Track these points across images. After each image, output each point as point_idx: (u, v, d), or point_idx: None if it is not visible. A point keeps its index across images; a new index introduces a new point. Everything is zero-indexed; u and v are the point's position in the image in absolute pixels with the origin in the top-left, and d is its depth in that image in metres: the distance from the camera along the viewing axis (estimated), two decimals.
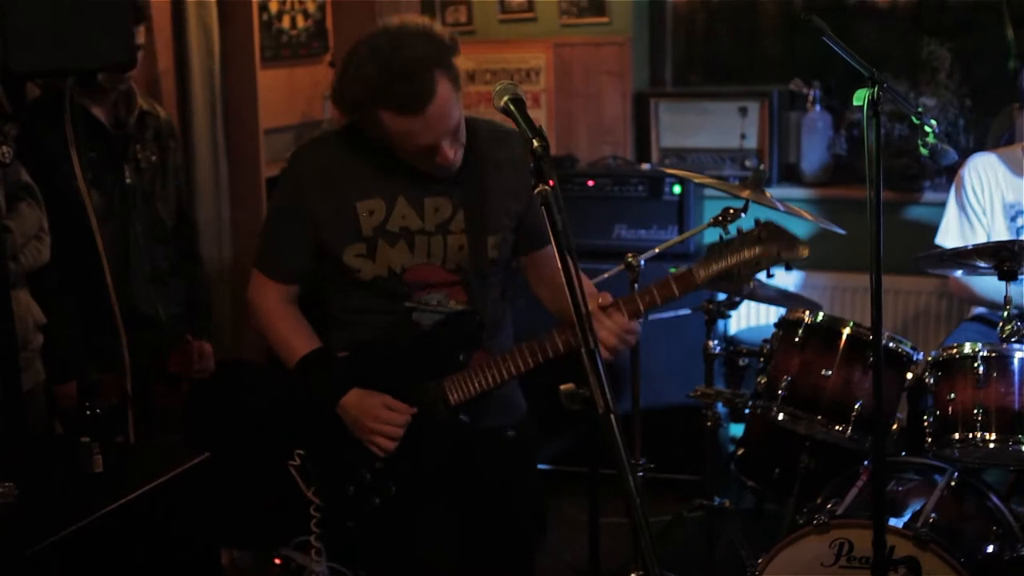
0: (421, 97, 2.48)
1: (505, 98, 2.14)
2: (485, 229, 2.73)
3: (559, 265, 1.91)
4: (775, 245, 2.55)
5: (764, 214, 3.89)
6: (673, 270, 3.95)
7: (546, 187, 1.94)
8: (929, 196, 4.91)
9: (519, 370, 2.68)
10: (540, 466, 3.07)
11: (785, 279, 4.96)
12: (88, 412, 2.67)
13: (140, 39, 3.67)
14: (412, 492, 2.77)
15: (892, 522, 3.02)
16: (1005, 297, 3.28)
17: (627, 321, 2.61)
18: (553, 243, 1.92)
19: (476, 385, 2.70)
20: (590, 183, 4.91)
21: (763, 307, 5.01)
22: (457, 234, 2.72)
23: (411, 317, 2.75)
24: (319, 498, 2.79)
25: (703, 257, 2.63)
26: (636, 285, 3.57)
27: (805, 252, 2.57)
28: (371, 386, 2.73)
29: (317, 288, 2.88)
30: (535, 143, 1.99)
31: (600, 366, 1.86)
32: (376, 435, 2.71)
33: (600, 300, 2.61)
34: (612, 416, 1.84)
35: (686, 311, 3.90)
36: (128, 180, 3.66)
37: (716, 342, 3.93)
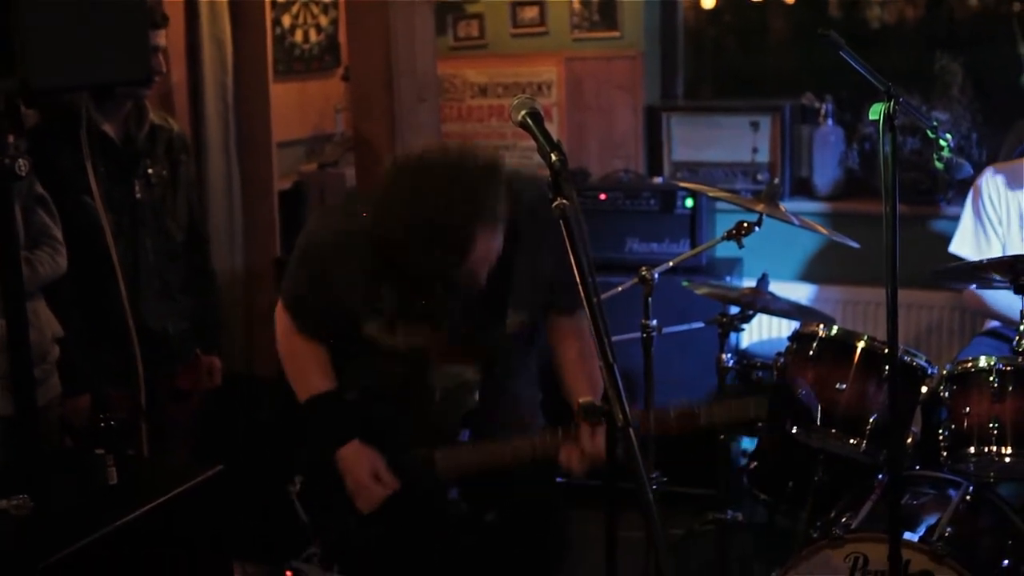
0: (458, 254, 2.42)
1: (523, 112, 2.13)
2: (509, 307, 2.69)
3: (579, 281, 1.90)
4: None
5: (778, 227, 3.90)
6: (686, 283, 3.97)
7: (564, 202, 1.93)
8: (942, 210, 4.90)
9: (516, 459, 2.67)
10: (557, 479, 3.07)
11: (798, 292, 4.95)
12: (103, 425, 2.67)
13: (163, 41, 3.66)
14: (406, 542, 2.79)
15: (907, 536, 3.00)
16: (1021, 311, 3.27)
17: (600, 441, 2.53)
18: (572, 260, 1.90)
19: (467, 459, 2.71)
20: (602, 197, 4.91)
21: (776, 320, 5.00)
22: (481, 313, 2.68)
23: (426, 382, 2.73)
24: (316, 526, 2.80)
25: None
26: (650, 299, 3.57)
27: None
28: (371, 435, 2.74)
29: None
30: (553, 157, 1.98)
31: (618, 379, 1.85)
32: (358, 497, 2.74)
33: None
34: (631, 430, 1.83)
35: (699, 324, 3.89)
36: (138, 195, 3.65)
37: (729, 355, 3.92)
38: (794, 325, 3.71)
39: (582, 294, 1.89)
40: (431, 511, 2.77)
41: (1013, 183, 3.97)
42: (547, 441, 2.64)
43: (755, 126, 5.18)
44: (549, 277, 2.68)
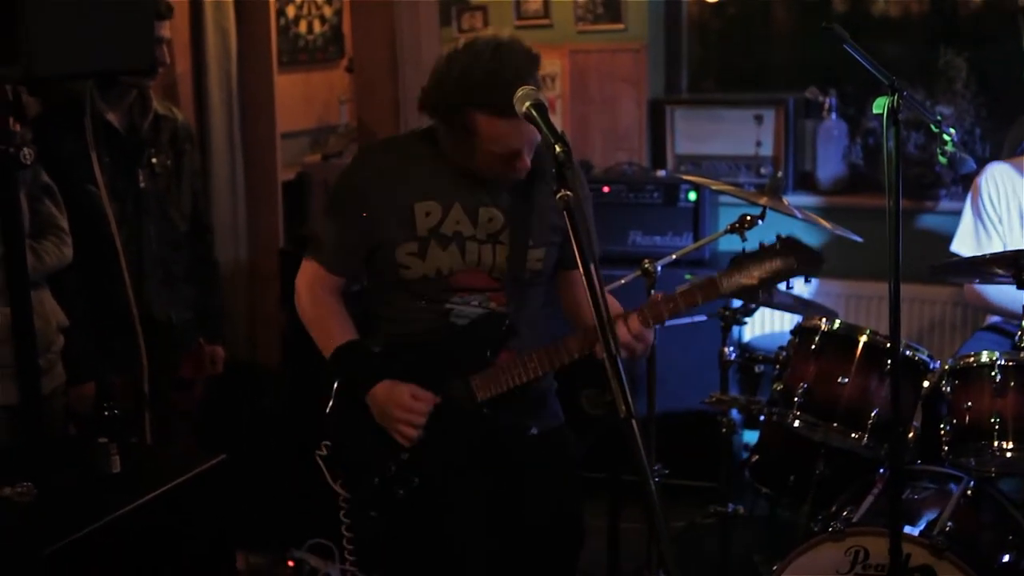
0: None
1: (527, 103, 2.15)
2: (530, 242, 2.79)
3: (580, 267, 1.92)
4: (795, 258, 2.66)
5: (781, 221, 3.90)
6: (689, 276, 3.97)
7: (568, 193, 1.94)
8: (944, 205, 4.90)
9: (544, 369, 2.74)
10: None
11: (801, 287, 4.95)
12: (106, 413, 2.68)
13: (167, 33, 3.67)
14: (437, 487, 2.81)
15: (908, 530, 3.01)
16: (1023, 306, 3.27)
17: (640, 328, 2.67)
18: (575, 246, 1.92)
19: (502, 382, 2.75)
20: (605, 189, 4.91)
21: (779, 314, 5.01)
22: (505, 245, 2.79)
23: (449, 317, 2.80)
24: (345, 489, 2.83)
25: (726, 268, 2.69)
26: (652, 291, 3.57)
27: (821, 263, 2.69)
28: (401, 378, 2.78)
29: (361, 283, 2.96)
30: (557, 149, 1.99)
31: (622, 371, 1.86)
32: (401, 423, 2.75)
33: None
34: (634, 421, 1.84)
35: (702, 317, 3.89)
36: (142, 184, 3.66)
37: (731, 349, 3.92)
38: (796, 319, 3.72)
39: (586, 285, 1.91)
40: (471, 434, 2.81)
41: (1013, 180, 3.97)
42: (583, 338, 2.70)
43: (759, 120, 5.18)
44: (565, 229, 2.75)
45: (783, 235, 2.69)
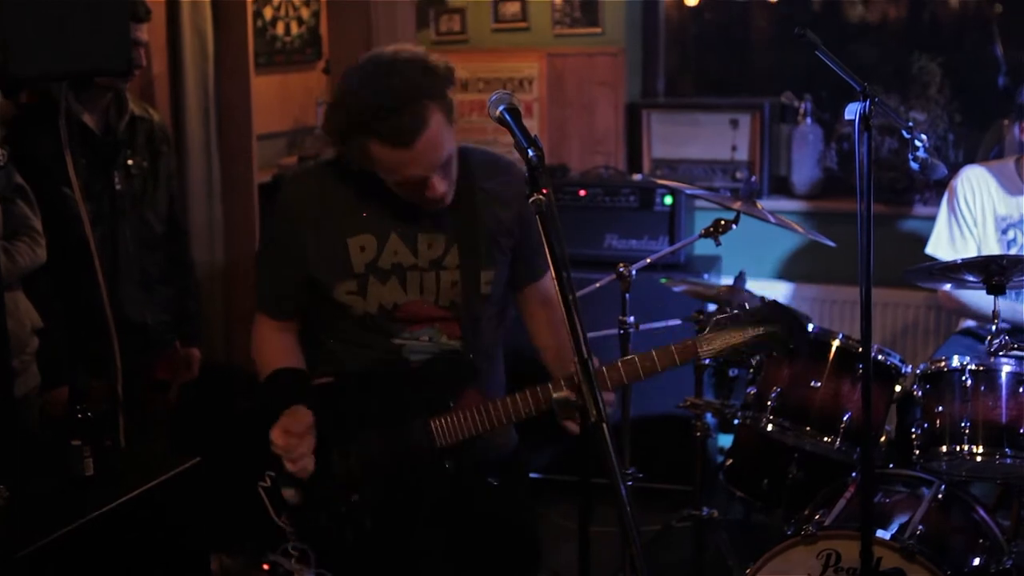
0: (411, 130, 2.41)
1: (500, 108, 2.15)
2: (479, 264, 2.66)
3: (553, 276, 1.91)
4: (780, 325, 2.53)
5: (755, 226, 3.92)
6: (665, 280, 3.99)
7: (540, 197, 1.94)
8: (919, 210, 4.93)
9: (509, 420, 2.60)
10: (531, 475, 3.08)
11: (775, 291, 4.98)
12: (79, 415, 2.67)
13: (144, 36, 3.67)
14: (391, 530, 2.67)
15: (879, 534, 3.03)
16: (993, 311, 3.30)
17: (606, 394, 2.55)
18: (548, 253, 1.92)
19: (464, 431, 2.61)
20: (582, 193, 4.93)
21: None
22: (451, 270, 2.66)
23: (401, 354, 2.69)
24: (289, 524, 2.68)
25: (709, 331, 2.56)
26: (627, 296, 3.59)
27: (808, 338, 2.56)
28: (355, 416, 2.65)
29: (308, 318, 2.82)
30: (529, 152, 1.99)
31: (593, 375, 1.87)
32: (287, 453, 2.60)
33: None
34: (604, 425, 1.85)
35: (676, 322, 3.91)
36: (118, 186, 3.65)
37: None
38: None
39: (557, 289, 1.90)
40: (427, 482, 2.66)
41: (988, 184, 4.00)
42: (541, 394, 2.55)
43: (734, 124, 5.21)
44: (515, 235, 2.71)
45: (768, 299, 2.60)
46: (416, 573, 2.79)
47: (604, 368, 2.52)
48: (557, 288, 1.91)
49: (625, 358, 2.56)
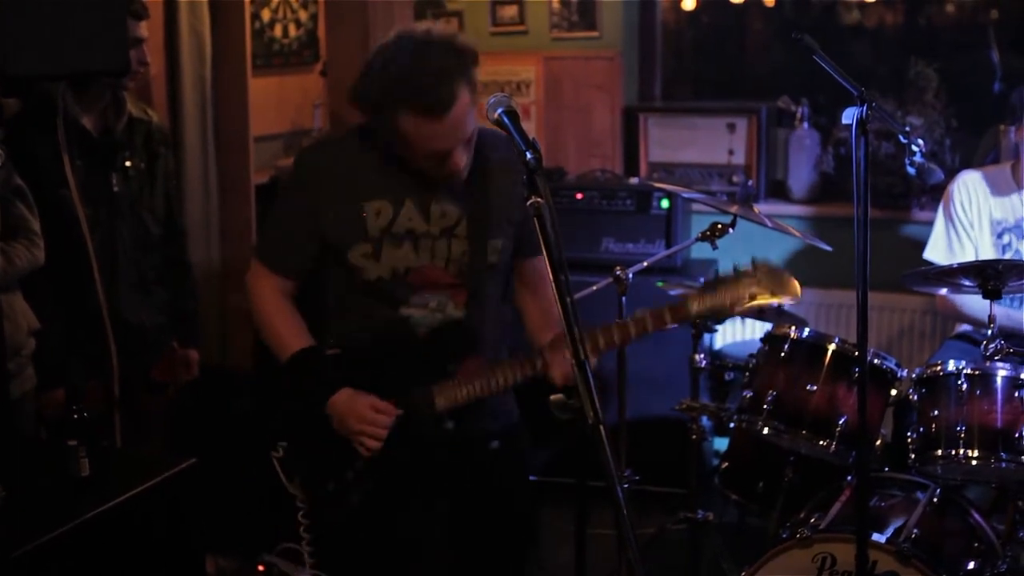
0: (443, 103, 2.52)
1: (499, 110, 2.16)
2: (487, 234, 2.77)
3: (550, 276, 1.92)
4: (769, 284, 2.60)
5: (752, 230, 3.93)
6: (661, 284, 4.00)
7: (538, 199, 1.96)
8: (915, 214, 4.94)
9: (507, 383, 2.70)
10: (528, 477, 3.10)
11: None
12: (75, 416, 2.67)
13: (144, 33, 3.66)
14: (394, 494, 2.79)
15: (875, 537, 3.03)
16: (989, 316, 3.31)
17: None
18: (545, 255, 1.93)
19: (463, 393, 2.71)
20: (578, 196, 4.93)
21: (749, 322, 5.03)
22: (461, 238, 2.76)
23: (408, 321, 2.77)
24: (301, 490, 2.80)
25: (697, 290, 2.65)
26: (624, 299, 3.59)
27: (798, 292, 2.63)
28: (360, 387, 2.75)
29: (316, 282, 2.90)
30: (528, 155, 2.00)
31: (590, 377, 1.87)
32: (362, 435, 2.72)
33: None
34: (601, 427, 1.85)
35: (672, 325, 3.91)
36: (115, 188, 3.64)
37: (702, 356, 3.95)
38: (767, 327, 3.74)
39: (554, 291, 1.91)
40: (431, 446, 2.77)
41: (984, 189, 4.01)
42: (537, 359, 2.66)
43: (731, 128, 5.21)
44: (518, 219, 2.78)
45: (758, 260, 2.66)
46: (417, 558, 2.87)
47: (598, 330, 2.63)
48: (555, 290, 1.92)
49: (618, 321, 2.66)
